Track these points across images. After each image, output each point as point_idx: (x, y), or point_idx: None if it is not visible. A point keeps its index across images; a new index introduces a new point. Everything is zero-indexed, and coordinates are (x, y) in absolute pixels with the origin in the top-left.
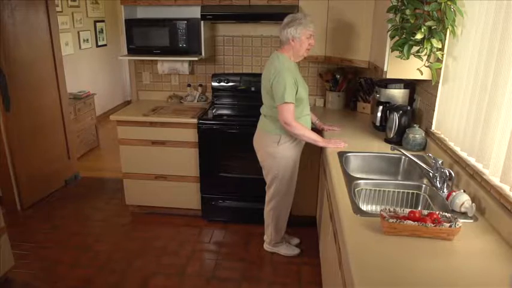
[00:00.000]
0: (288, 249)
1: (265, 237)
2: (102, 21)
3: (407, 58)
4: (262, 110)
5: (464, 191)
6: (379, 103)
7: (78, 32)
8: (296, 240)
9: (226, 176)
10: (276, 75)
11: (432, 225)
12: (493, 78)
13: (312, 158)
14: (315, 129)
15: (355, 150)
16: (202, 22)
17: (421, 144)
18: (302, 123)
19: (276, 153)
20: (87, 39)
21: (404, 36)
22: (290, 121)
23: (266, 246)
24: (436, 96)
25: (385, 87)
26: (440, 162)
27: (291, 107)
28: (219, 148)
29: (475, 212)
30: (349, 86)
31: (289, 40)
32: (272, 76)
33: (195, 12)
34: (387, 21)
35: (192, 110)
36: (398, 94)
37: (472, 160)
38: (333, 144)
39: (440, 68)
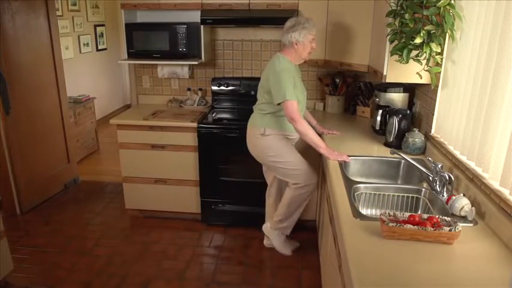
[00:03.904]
0: (282, 244)
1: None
2: (102, 25)
3: (407, 62)
4: (254, 106)
5: (463, 195)
6: (379, 107)
7: (79, 36)
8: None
9: (226, 180)
10: (274, 75)
11: (432, 229)
12: (492, 82)
13: (311, 162)
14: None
15: (355, 154)
16: (202, 26)
17: (420, 148)
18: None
19: (263, 144)
20: (87, 43)
21: (403, 40)
22: (295, 116)
23: (265, 227)
24: (435, 100)
25: (384, 91)
26: (439, 166)
27: (294, 104)
28: (219, 152)
29: (475, 216)
30: (348, 90)
31: (293, 44)
32: (271, 76)
33: (194, 16)
34: (386, 25)
35: (192, 113)
36: (397, 98)
37: (471, 164)
38: (334, 157)
39: (439, 72)
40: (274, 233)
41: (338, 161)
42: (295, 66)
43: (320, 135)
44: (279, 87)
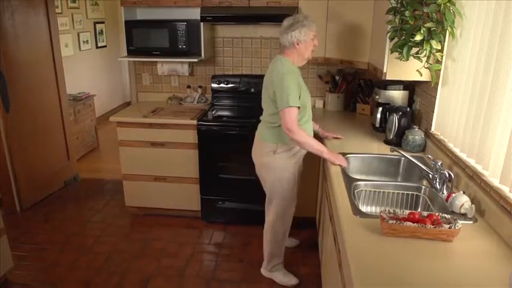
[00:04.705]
0: (285, 277)
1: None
2: (102, 22)
3: (407, 59)
4: (262, 116)
5: (463, 193)
6: (379, 104)
7: (78, 34)
8: (295, 242)
9: (225, 177)
10: (279, 79)
11: (432, 226)
12: (492, 79)
13: (311, 159)
14: (316, 137)
15: (355, 152)
16: (201, 23)
17: (420, 146)
18: (305, 130)
19: (271, 163)
20: (87, 41)
21: (403, 37)
22: (293, 127)
23: (262, 271)
24: (435, 98)
25: (384, 89)
26: (439, 163)
27: (294, 112)
28: (219, 149)
29: (475, 214)
30: (348, 88)
31: (294, 44)
32: (275, 80)
33: (194, 13)
34: (386, 22)
35: (192, 111)
36: (397, 95)
37: (471, 161)
38: (338, 161)
39: (439, 70)
40: (274, 274)
41: (335, 164)
42: (297, 69)
43: (322, 139)
44: (282, 92)
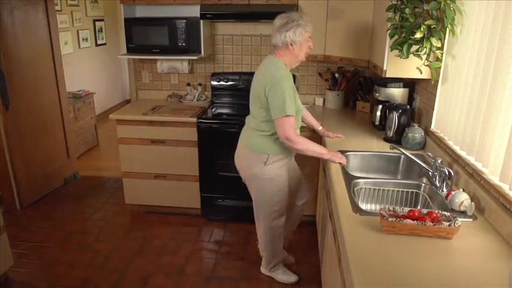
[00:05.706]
0: (285, 275)
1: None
2: (102, 20)
3: (407, 57)
4: (249, 122)
5: (463, 190)
6: (379, 102)
7: (78, 31)
8: (291, 260)
9: (225, 175)
10: (273, 85)
11: (431, 224)
12: (492, 77)
13: (311, 158)
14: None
15: (355, 149)
16: (201, 21)
17: (420, 143)
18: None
19: (263, 174)
20: (87, 38)
21: (403, 35)
22: (292, 136)
23: (262, 270)
24: (435, 95)
25: (384, 86)
26: (439, 161)
27: (292, 120)
28: (219, 147)
29: (474, 211)
30: (348, 85)
31: (288, 44)
32: (269, 85)
33: (194, 11)
34: (387, 20)
35: (192, 109)
36: (397, 93)
37: (471, 159)
38: (338, 159)
39: (439, 67)
40: (273, 272)
41: (335, 162)
42: (289, 71)
43: (321, 138)
44: (277, 100)
